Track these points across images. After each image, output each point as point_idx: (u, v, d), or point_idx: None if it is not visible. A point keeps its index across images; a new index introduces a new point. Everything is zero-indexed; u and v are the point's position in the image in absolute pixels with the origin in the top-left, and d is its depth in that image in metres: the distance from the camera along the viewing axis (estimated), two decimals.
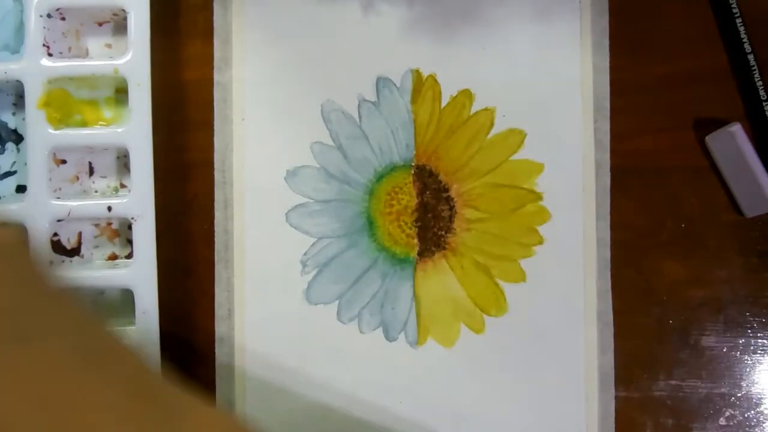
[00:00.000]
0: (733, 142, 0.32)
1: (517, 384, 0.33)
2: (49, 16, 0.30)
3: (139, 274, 0.30)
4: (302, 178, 0.33)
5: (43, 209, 0.30)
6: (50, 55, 0.30)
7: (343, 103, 0.33)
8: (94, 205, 0.31)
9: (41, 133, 0.30)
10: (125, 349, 0.23)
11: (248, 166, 0.33)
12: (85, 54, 0.33)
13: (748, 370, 0.34)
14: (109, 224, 0.33)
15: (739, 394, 0.34)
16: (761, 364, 0.34)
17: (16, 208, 0.30)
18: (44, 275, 0.25)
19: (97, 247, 0.33)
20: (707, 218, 0.34)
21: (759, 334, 0.34)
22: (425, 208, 0.34)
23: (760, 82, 0.33)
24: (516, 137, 0.34)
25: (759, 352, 0.34)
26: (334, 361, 0.33)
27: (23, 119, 0.31)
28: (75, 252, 0.32)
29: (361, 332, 0.33)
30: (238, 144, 0.33)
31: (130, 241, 0.33)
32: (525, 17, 0.34)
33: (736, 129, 0.32)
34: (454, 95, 0.34)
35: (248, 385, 0.33)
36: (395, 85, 0.34)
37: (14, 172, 0.33)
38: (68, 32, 0.32)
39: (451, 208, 0.34)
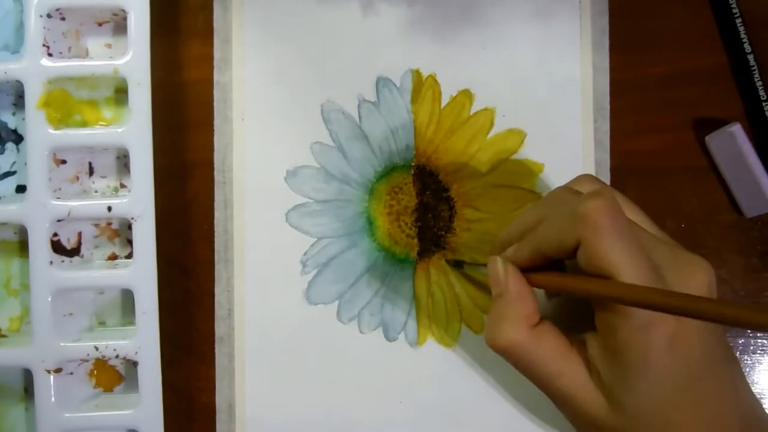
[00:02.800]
0: (733, 142, 0.32)
1: (517, 384, 0.33)
2: (49, 16, 0.30)
3: (139, 274, 0.30)
4: (302, 178, 0.33)
5: (43, 209, 0.30)
6: (50, 55, 0.30)
7: (343, 103, 0.33)
8: (94, 205, 0.31)
9: (41, 133, 0.30)
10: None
11: (248, 166, 0.33)
12: (85, 54, 0.33)
13: (747, 370, 0.34)
14: (109, 224, 0.33)
15: None
16: (761, 364, 0.34)
17: (16, 208, 0.30)
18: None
19: (97, 247, 0.33)
20: (707, 218, 0.34)
21: (759, 334, 0.34)
22: (425, 208, 0.34)
23: (760, 82, 0.33)
24: (516, 137, 0.34)
25: (759, 352, 0.34)
26: (334, 361, 0.33)
27: (23, 119, 0.31)
28: (75, 252, 0.32)
29: (361, 332, 0.33)
30: (238, 144, 0.33)
31: (130, 241, 0.33)
32: (525, 17, 0.34)
33: (736, 129, 0.32)
34: (454, 95, 0.34)
35: (248, 385, 0.33)
36: (395, 85, 0.34)
37: (14, 172, 0.33)
38: (68, 32, 0.32)
39: (451, 208, 0.34)
